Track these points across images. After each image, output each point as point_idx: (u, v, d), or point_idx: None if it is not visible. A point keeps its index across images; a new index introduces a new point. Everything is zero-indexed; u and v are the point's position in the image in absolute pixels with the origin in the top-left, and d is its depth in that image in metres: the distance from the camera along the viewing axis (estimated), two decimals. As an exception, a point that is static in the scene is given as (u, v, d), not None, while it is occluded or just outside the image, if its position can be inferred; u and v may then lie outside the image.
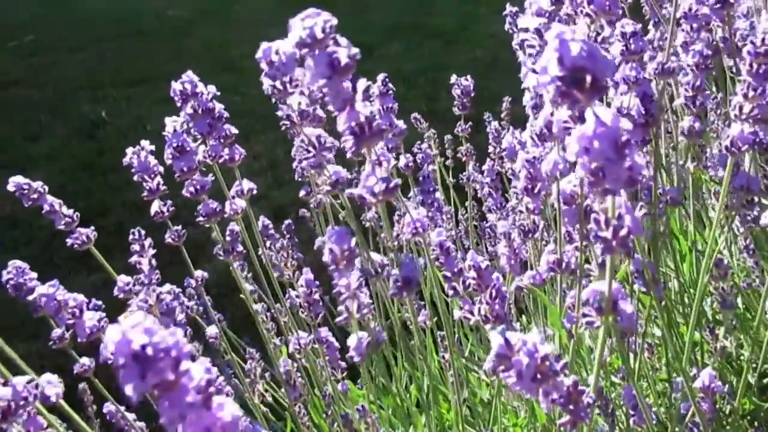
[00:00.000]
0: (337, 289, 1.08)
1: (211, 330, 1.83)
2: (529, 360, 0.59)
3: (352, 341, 1.13)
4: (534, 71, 0.90)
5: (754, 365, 1.38)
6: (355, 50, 0.72)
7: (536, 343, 0.59)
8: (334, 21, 0.71)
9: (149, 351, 0.42)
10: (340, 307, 1.10)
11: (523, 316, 2.15)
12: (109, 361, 1.27)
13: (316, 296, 1.45)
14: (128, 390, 0.43)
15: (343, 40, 0.72)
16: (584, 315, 0.62)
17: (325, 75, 0.70)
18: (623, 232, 0.57)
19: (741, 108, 1.13)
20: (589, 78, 0.53)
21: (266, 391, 1.86)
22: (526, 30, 0.94)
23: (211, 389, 0.44)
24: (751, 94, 1.11)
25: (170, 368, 0.43)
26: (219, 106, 1.42)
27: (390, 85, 1.47)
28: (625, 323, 0.61)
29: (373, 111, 0.73)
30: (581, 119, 0.57)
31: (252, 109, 5.56)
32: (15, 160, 5.43)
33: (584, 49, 0.53)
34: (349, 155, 0.74)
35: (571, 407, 0.60)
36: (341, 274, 1.06)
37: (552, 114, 1.00)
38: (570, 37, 0.53)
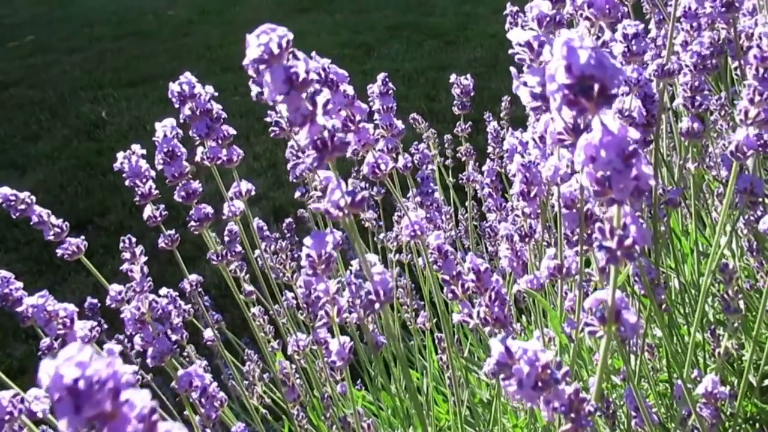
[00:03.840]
0: (315, 294, 1.07)
1: (208, 333, 1.82)
2: (529, 368, 0.59)
3: (334, 346, 1.12)
4: (525, 84, 0.89)
5: (755, 365, 1.37)
6: (315, 65, 0.70)
7: (537, 351, 0.58)
8: (290, 36, 0.69)
9: (81, 384, 0.42)
10: (320, 312, 1.09)
11: (523, 317, 2.14)
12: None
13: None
14: (61, 425, 0.43)
15: (300, 54, 0.70)
16: (587, 324, 0.61)
17: (283, 91, 0.68)
18: (628, 241, 0.55)
19: (747, 112, 1.11)
20: (597, 86, 0.52)
21: (264, 393, 1.86)
22: (517, 44, 0.93)
23: (155, 417, 0.44)
24: (757, 98, 1.09)
25: (108, 399, 0.43)
26: (217, 107, 1.41)
27: (390, 84, 1.46)
28: (628, 333, 0.59)
29: (335, 125, 0.72)
30: (575, 131, 0.56)
31: (252, 109, 5.56)
32: (15, 160, 5.42)
33: (593, 56, 0.51)
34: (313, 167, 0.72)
35: (572, 415, 0.60)
36: (319, 279, 1.06)
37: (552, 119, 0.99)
38: (578, 45, 0.52)
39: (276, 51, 0.67)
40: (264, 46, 0.67)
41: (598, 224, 0.56)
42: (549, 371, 0.58)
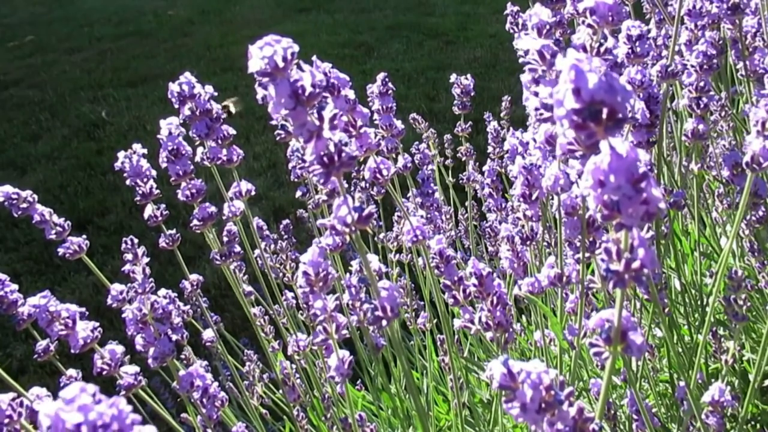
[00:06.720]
0: (312, 312, 1.06)
1: (207, 334, 1.82)
2: (533, 392, 0.57)
3: (333, 361, 1.11)
4: (536, 94, 0.88)
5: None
6: (321, 77, 0.66)
7: (540, 373, 0.57)
8: (296, 47, 0.65)
9: (84, 430, 0.41)
10: (318, 328, 1.08)
11: (523, 316, 2.14)
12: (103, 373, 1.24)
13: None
14: None
15: (306, 66, 0.66)
16: (591, 345, 0.59)
17: (288, 106, 0.64)
18: (636, 264, 0.54)
19: (764, 123, 1.09)
20: (606, 111, 0.50)
21: (264, 393, 1.85)
22: (527, 52, 0.91)
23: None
24: (777, 109, 1.07)
25: None
26: (216, 107, 1.40)
27: (390, 84, 1.45)
28: (634, 354, 0.58)
29: (342, 139, 0.68)
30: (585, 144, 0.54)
31: (252, 109, 5.55)
32: (15, 160, 5.42)
33: (602, 80, 0.50)
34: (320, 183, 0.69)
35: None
36: (316, 296, 1.04)
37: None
38: (587, 68, 0.50)
39: (281, 64, 0.64)
40: (268, 58, 0.63)
41: (604, 245, 0.54)
42: (553, 392, 0.57)
